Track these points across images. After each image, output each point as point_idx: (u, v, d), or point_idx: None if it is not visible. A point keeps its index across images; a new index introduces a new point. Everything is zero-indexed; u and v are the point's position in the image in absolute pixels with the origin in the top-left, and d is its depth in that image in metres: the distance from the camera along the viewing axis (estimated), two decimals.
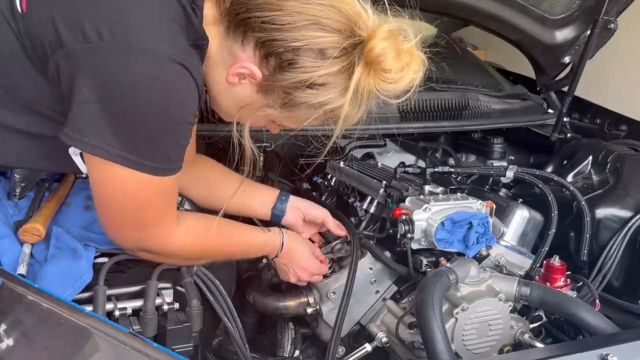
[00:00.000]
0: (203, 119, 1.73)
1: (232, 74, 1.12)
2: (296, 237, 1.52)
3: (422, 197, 1.52)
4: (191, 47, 1.07)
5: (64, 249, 1.20)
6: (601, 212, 1.72)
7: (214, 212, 1.40)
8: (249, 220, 1.57)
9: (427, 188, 1.57)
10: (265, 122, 1.25)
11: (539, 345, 1.33)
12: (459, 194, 1.55)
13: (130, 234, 1.17)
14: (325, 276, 1.54)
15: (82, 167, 1.16)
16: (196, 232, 1.26)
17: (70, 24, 0.98)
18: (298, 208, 1.58)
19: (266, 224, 1.59)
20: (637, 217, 1.69)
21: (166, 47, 1.00)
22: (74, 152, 1.13)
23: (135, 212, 1.12)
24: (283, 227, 1.55)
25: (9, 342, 0.86)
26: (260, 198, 1.57)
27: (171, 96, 1.02)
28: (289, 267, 1.51)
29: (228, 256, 1.41)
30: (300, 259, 1.50)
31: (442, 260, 1.44)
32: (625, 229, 1.69)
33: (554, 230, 1.58)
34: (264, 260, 1.62)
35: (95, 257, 1.21)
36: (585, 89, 2.19)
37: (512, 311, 1.38)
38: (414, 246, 1.45)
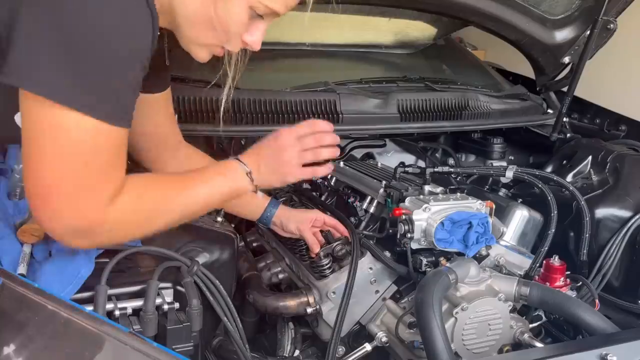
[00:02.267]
0: (203, 118, 1.74)
1: None
2: (253, 152, 1.29)
3: (422, 197, 1.52)
4: None
5: (64, 249, 1.20)
6: (601, 212, 1.72)
7: None
8: None
9: (427, 188, 1.58)
10: (246, 13, 1.07)
11: (539, 345, 1.33)
12: (458, 194, 1.55)
13: (62, 204, 0.97)
14: (325, 276, 1.55)
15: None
16: (136, 191, 1.07)
17: None
18: (280, 219, 1.61)
19: None
20: (637, 217, 1.70)
21: None
22: (19, 121, 1.02)
23: (73, 171, 0.96)
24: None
25: (9, 342, 0.86)
26: (249, 205, 1.60)
27: (124, 25, 0.93)
28: (276, 169, 1.28)
29: (185, 213, 1.18)
30: (272, 154, 1.28)
31: (442, 260, 1.44)
32: (625, 229, 1.69)
33: (553, 230, 1.58)
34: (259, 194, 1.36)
35: (98, 257, 1.21)
36: (585, 89, 2.19)
37: (511, 311, 1.38)
38: (414, 246, 1.46)
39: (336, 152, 1.35)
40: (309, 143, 1.30)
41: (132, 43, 0.95)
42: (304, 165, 1.31)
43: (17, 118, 1.02)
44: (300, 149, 1.29)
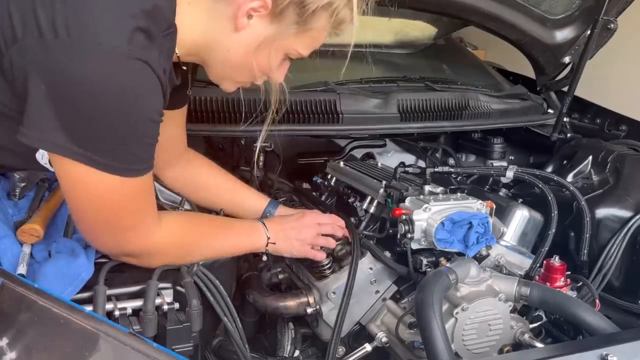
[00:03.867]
0: (203, 118, 1.74)
1: (241, 16, 1.09)
2: (277, 223, 1.48)
3: (422, 197, 1.52)
4: (163, 37, 1.03)
5: (63, 250, 1.20)
6: (601, 212, 1.72)
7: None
8: None
9: (427, 188, 1.57)
10: (281, 57, 1.22)
11: (539, 345, 1.33)
12: (459, 194, 1.55)
13: (108, 240, 1.14)
14: (325, 276, 1.54)
15: (50, 167, 1.13)
16: (177, 231, 1.24)
17: (26, 18, 0.94)
18: None
19: None
20: (637, 217, 1.70)
21: (123, 44, 0.95)
22: (41, 158, 1.12)
23: (110, 217, 1.09)
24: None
25: (9, 342, 0.86)
26: (249, 206, 1.60)
27: (129, 95, 0.98)
28: (290, 242, 1.47)
29: (213, 255, 1.34)
30: (292, 229, 1.47)
31: (442, 260, 1.44)
32: (625, 229, 1.69)
33: (553, 230, 1.58)
34: (264, 258, 1.62)
35: (97, 258, 1.21)
36: (585, 89, 2.19)
37: (512, 311, 1.38)
38: (414, 246, 1.46)
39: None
40: (326, 230, 1.52)
41: (140, 104, 1.01)
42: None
43: (39, 155, 1.10)
44: (317, 233, 1.50)
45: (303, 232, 1.48)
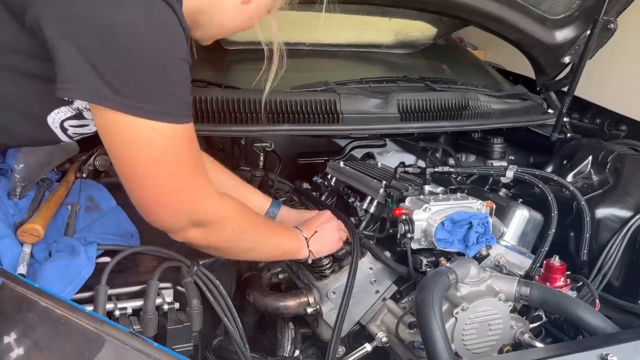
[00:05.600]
0: (203, 118, 1.74)
1: None
2: (311, 228, 1.49)
3: (422, 197, 1.52)
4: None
5: (64, 249, 1.20)
6: (601, 212, 1.72)
7: None
8: None
9: (427, 188, 1.58)
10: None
11: (539, 345, 1.33)
12: (459, 194, 1.55)
13: (175, 205, 1.08)
14: (325, 276, 1.54)
15: (62, 136, 1.12)
16: (236, 204, 1.22)
17: None
18: (281, 220, 1.63)
19: None
20: (637, 217, 1.70)
21: None
22: (52, 122, 1.09)
23: (171, 173, 1.04)
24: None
25: (9, 342, 0.86)
26: (253, 206, 1.59)
27: (166, 34, 0.98)
28: (326, 243, 1.50)
29: (259, 248, 1.35)
30: (323, 229, 1.50)
31: (442, 260, 1.44)
32: (625, 229, 1.69)
33: (553, 230, 1.58)
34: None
35: (98, 257, 1.21)
36: (585, 89, 2.19)
37: (512, 311, 1.38)
38: (414, 246, 1.46)
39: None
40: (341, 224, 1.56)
41: (173, 45, 0.99)
42: None
43: (50, 119, 1.06)
44: (339, 228, 1.54)
45: (336, 233, 1.52)
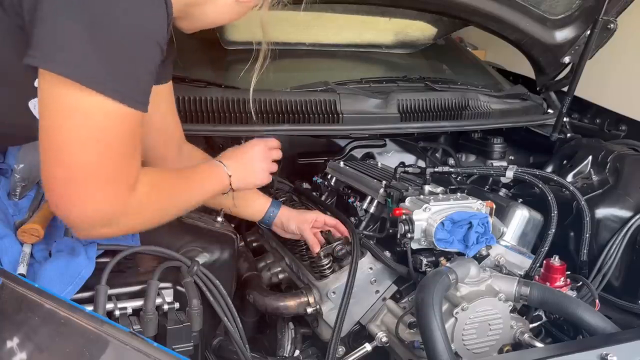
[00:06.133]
0: (203, 118, 1.74)
1: None
2: (232, 157, 1.38)
3: (422, 197, 1.52)
4: None
5: (64, 249, 1.20)
6: (601, 212, 1.72)
7: None
8: None
9: (427, 188, 1.58)
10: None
11: (539, 345, 1.33)
12: (458, 194, 1.55)
13: (90, 196, 0.96)
14: (325, 276, 1.55)
15: None
16: (153, 184, 1.10)
17: None
18: (281, 220, 1.62)
19: None
20: (637, 217, 1.70)
21: None
22: (33, 108, 1.05)
23: (99, 156, 0.95)
24: None
25: (9, 342, 0.86)
26: (252, 205, 1.61)
27: (147, 11, 0.94)
28: (251, 172, 1.39)
29: (185, 207, 1.24)
30: (246, 156, 1.39)
31: (442, 260, 1.44)
32: (625, 229, 1.69)
33: (553, 230, 1.58)
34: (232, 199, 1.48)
35: (98, 257, 1.21)
36: (585, 89, 2.19)
37: (512, 311, 1.38)
38: (414, 246, 1.46)
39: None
40: (277, 155, 1.45)
41: (149, 24, 0.96)
42: None
43: (31, 105, 1.02)
44: (270, 159, 1.43)
45: (261, 163, 1.40)
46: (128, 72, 0.95)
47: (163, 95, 1.36)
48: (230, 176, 1.33)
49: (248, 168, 1.38)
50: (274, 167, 1.45)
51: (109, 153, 0.96)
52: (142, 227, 1.14)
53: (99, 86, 0.91)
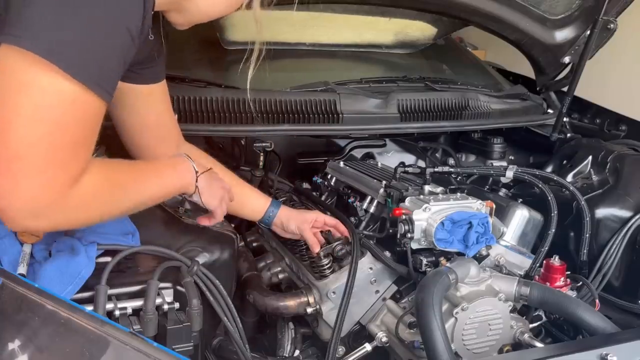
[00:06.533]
0: (203, 118, 1.74)
1: None
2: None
3: (422, 197, 1.52)
4: None
5: (64, 249, 1.20)
6: (601, 212, 1.72)
7: None
8: None
9: (427, 188, 1.58)
10: None
11: (539, 345, 1.33)
12: (458, 194, 1.55)
13: (27, 181, 0.88)
14: (325, 276, 1.55)
15: None
16: (101, 177, 1.02)
17: None
18: (281, 220, 1.62)
19: None
20: (637, 217, 1.70)
21: None
22: None
23: (46, 141, 0.88)
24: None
25: (9, 342, 0.86)
26: (252, 205, 1.60)
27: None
28: (214, 192, 1.36)
29: (139, 202, 1.15)
30: (216, 180, 1.38)
31: (442, 260, 1.44)
32: (625, 229, 1.69)
33: (553, 230, 1.58)
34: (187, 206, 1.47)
35: (98, 256, 1.21)
36: (585, 89, 2.19)
37: (511, 311, 1.38)
38: (414, 246, 1.46)
39: None
40: (231, 197, 1.45)
41: (119, 7, 0.91)
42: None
43: None
44: (227, 198, 1.41)
45: (225, 194, 1.39)
46: (92, 52, 0.89)
47: (157, 95, 1.36)
48: (197, 173, 1.27)
49: (214, 184, 1.35)
50: (227, 197, 1.42)
51: (54, 136, 0.89)
52: (84, 223, 1.08)
53: (58, 60, 0.85)
